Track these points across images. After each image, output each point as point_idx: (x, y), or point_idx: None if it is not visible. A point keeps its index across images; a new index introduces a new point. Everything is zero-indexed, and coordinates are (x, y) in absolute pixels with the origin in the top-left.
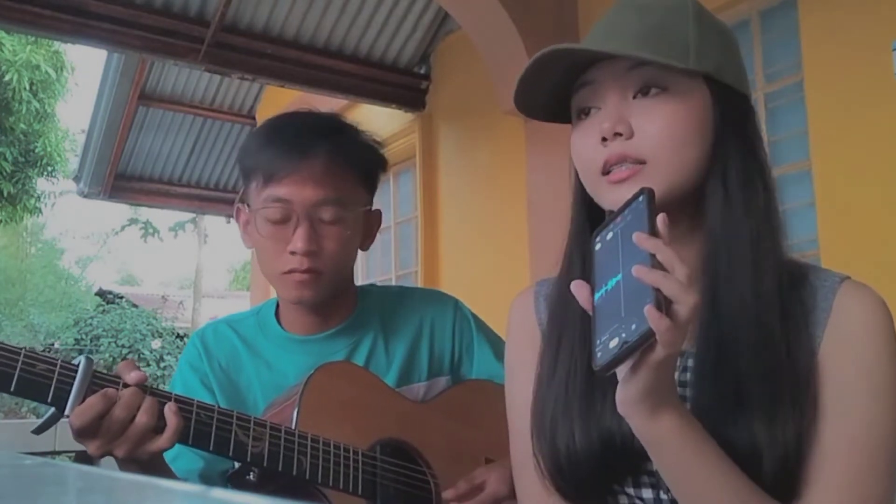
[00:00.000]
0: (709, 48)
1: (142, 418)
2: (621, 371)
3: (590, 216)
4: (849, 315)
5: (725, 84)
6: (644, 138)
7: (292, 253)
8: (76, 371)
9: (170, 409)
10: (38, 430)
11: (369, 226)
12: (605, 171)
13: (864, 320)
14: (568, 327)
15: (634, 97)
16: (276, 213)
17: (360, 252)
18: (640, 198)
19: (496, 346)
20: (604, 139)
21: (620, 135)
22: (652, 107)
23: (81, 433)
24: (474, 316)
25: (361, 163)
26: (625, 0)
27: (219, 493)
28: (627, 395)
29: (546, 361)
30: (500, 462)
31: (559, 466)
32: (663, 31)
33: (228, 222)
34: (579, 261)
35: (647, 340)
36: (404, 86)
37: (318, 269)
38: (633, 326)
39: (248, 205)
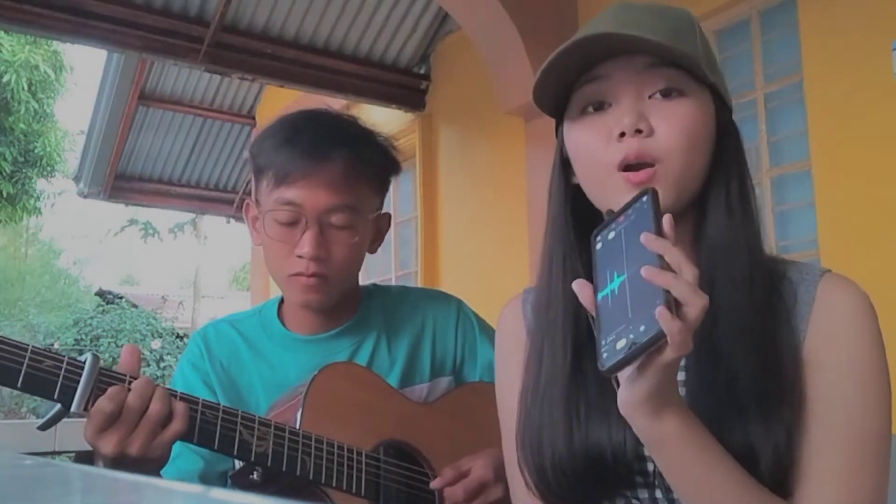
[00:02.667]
0: (711, 62)
1: (155, 406)
2: (625, 372)
3: (573, 215)
4: (831, 308)
5: (721, 98)
6: (663, 138)
7: (299, 256)
8: (83, 368)
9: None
10: (44, 427)
11: (379, 229)
12: (624, 168)
13: (846, 312)
14: (550, 336)
15: (650, 97)
16: (286, 215)
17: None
18: (645, 197)
19: None
20: (622, 134)
21: (640, 132)
22: (672, 108)
23: (105, 423)
24: (477, 316)
25: (377, 170)
26: (626, 3)
27: (219, 493)
28: (632, 397)
29: (530, 372)
30: (488, 450)
31: (546, 481)
32: (679, 36)
33: (228, 222)
34: (561, 261)
35: (657, 342)
36: (404, 86)
37: (325, 273)
38: (643, 328)
39: (257, 201)
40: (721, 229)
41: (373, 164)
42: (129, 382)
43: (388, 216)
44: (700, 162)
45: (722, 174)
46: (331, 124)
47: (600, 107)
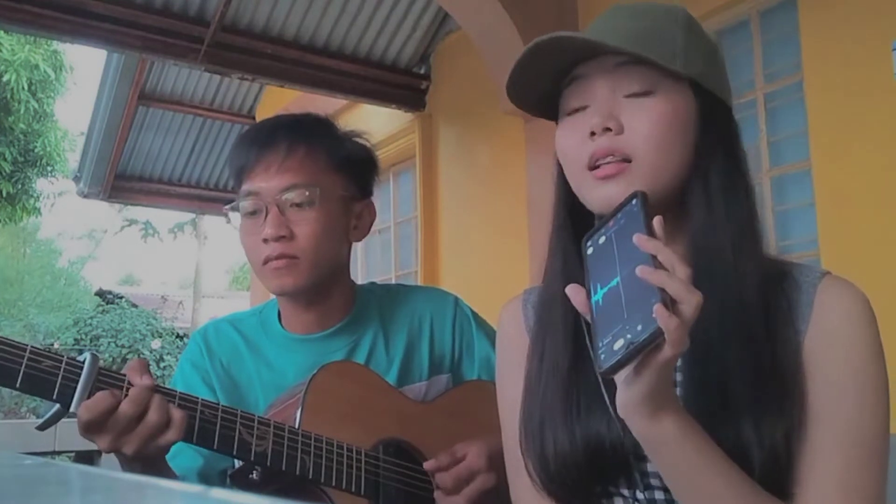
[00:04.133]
0: (695, 55)
1: (152, 416)
2: (622, 374)
3: (570, 217)
4: (831, 310)
5: (710, 92)
6: (632, 136)
7: (264, 241)
8: (81, 367)
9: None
10: (43, 427)
11: (358, 215)
12: (592, 167)
13: (846, 314)
14: (551, 333)
15: (624, 95)
16: (250, 206)
17: (359, 252)
18: (634, 201)
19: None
20: (592, 133)
21: (609, 130)
22: (641, 106)
23: (89, 428)
24: (474, 313)
25: (329, 149)
26: (617, 5)
27: (219, 493)
28: (630, 398)
29: (532, 367)
30: (484, 437)
31: (548, 472)
32: (654, 34)
33: (228, 222)
34: (560, 263)
35: (655, 340)
36: (404, 86)
37: (292, 254)
38: (640, 327)
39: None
40: (701, 226)
41: (319, 143)
42: (127, 384)
43: (370, 206)
44: (675, 158)
45: (700, 169)
46: (281, 118)
47: (579, 108)
